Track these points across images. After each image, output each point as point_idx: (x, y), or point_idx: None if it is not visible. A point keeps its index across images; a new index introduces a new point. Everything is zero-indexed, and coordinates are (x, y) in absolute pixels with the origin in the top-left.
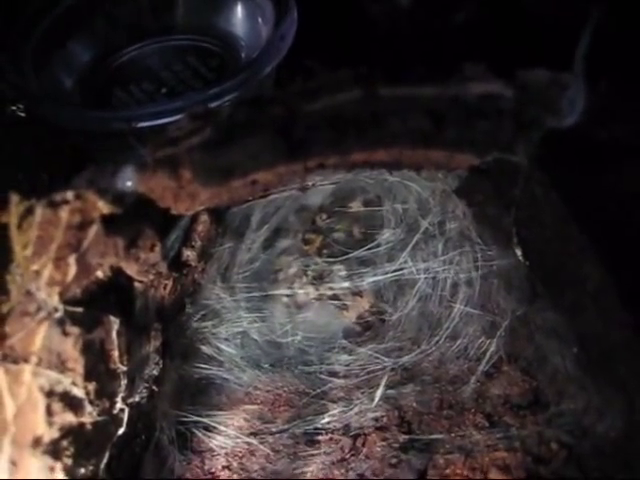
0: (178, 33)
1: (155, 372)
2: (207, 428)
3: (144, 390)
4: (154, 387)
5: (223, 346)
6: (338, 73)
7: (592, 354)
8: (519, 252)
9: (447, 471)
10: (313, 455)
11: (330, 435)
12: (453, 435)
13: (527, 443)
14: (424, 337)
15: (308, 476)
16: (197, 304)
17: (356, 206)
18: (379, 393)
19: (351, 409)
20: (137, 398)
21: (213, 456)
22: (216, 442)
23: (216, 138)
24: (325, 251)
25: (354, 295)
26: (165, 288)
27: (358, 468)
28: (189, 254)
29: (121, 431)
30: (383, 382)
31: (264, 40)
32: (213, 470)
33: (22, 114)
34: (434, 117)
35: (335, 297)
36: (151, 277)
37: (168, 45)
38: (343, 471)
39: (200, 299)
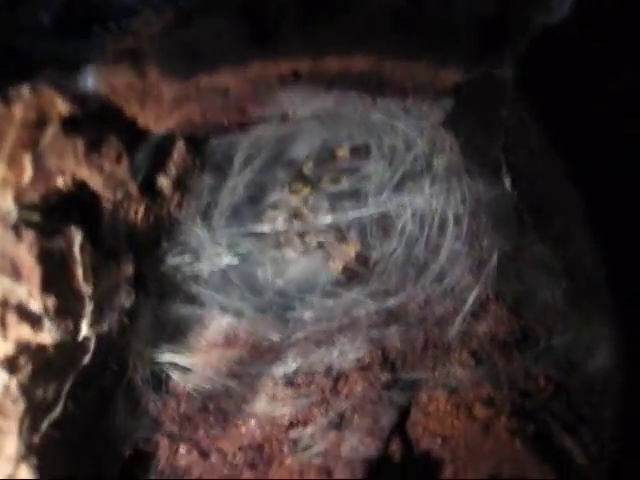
0: None
1: (127, 304)
2: (183, 369)
3: (115, 322)
4: (126, 320)
5: (202, 287)
6: None
7: (581, 286)
8: (507, 181)
9: (430, 408)
10: (292, 397)
11: (311, 377)
12: (437, 373)
13: (513, 379)
14: (410, 280)
15: (287, 418)
16: (175, 241)
17: (342, 153)
18: (362, 334)
19: (332, 351)
20: (106, 328)
21: (189, 398)
22: (192, 384)
23: (176, 21)
24: (311, 201)
25: (339, 242)
26: (137, 213)
27: (338, 408)
28: (163, 182)
29: (87, 359)
30: (364, 323)
31: None
32: (189, 412)
33: None
34: (407, 18)
35: (321, 246)
36: (119, 196)
37: None
38: (323, 411)
39: (178, 236)
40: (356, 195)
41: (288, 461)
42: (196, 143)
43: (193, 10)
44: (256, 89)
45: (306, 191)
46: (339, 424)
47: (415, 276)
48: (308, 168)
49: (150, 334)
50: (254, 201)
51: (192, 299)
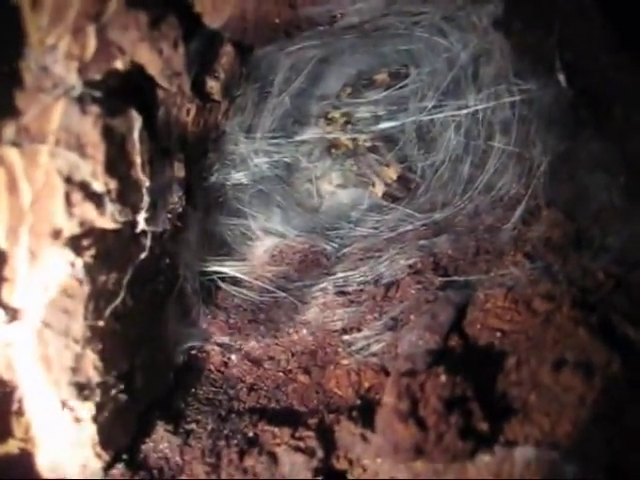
0: None
1: (178, 209)
2: (231, 281)
3: (167, 223)
4: (178, 223)
5: (246, 207)
6: None
7: None
8: (562, 79)
9: (488, 305)
10: (344, 305)
11: (361, 286)
12: (492, 275)
13: (572, 276)
14: (456, 195)
15: (339, 325)
16: (220, 152)
17: (382, 78)
18: (411, 244)
19: (382, 262)
20: (160, 227)
21: (238, 310)
22: (241, 295)
23: None
24: (349, 126)
25: (380, 165)
26: (188, 114)
27: (392, 312)
28: (212, 85)
29: (143, 255)
30: (415, 236)
31: None
32: (239, 323)
33: None
34: None
35: (361, 174)
36: (174, 89)
37: None
38: (377, 316)
39: (223, 147)
40: (398, 105)
41: (344, 362)
42: (243, 51)
43: None
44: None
45: (342, 120)
46: (394, 326)
47: (462, 190)
48: (346, 94)
49: (198, 246)
50: (294, 121)
51: (237, 214)
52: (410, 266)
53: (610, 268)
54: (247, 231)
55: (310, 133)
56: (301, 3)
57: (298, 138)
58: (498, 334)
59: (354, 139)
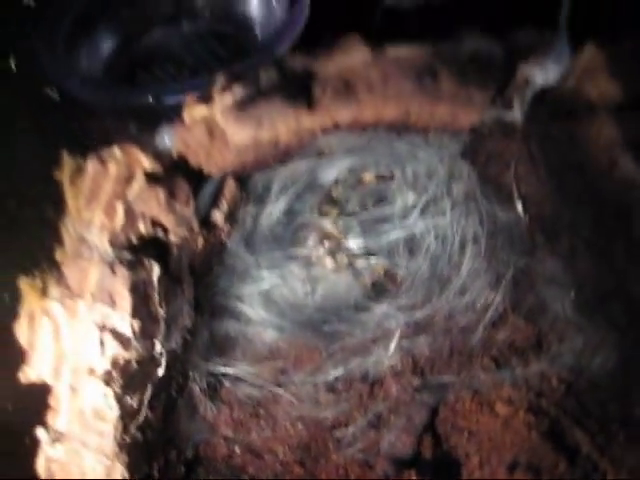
0: (198, 18)
1: (188, 324)
2: (234, 379)
3: (179, 339)
4: (188, 337)
5: (246, 305)
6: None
7: (588, 297)
8: (519, 206)
9: (457, 406)
10: (334, 401)
11: (349, 384)
12: (462, 377)
13: (530, 380)
14: (435, 294)
15: (330, 420)
16: (223, 265)
17: (369, 177)
18: (394, 344)
19: (368, 360)
20: (173, 345)
21: (241, 405)
22: (243, 392)
23: (246, 95)
24: (340, 222)
25: (368, 259)
26: (197, 245)
27: (376, 409)
28: (217, 215)
29: (160, 372)
30: (397, 334)
31: (278, 22)
32: (242, 418)
33: (56, 95)
34: (432, 72)
35: (351, 265)
36: (185, 232)
37: (188, 29)
38: (362, 412)
39: (226, 260)
40: (383, 219)
41: (333, 457)
42: (242, 180)
43: (260, 87)
44: (301, 138)
45: (335, 213)
46: (377, 424)
47: (439, 290)
48: (337, 192)
49: (205, 349)
50: (289, 224)
51: (238, 317)
52: (392, 366)
53: (563, 373)
54: (248, 330)
55: (304, 227)
56: (294, 151)
57: (293, 250)
58: (465, 434)
59: (345, 232)
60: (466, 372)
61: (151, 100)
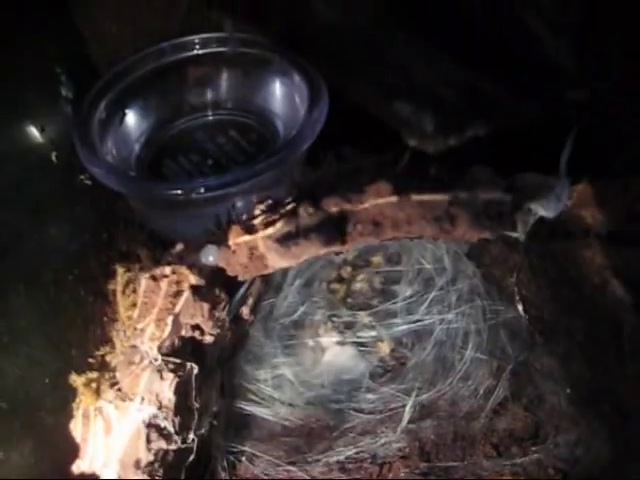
0: (221, 108)
1: (215, 409)
2: (252, 457)
3: (207, 424)
4: (214, 422)
5: (263, 386)
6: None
7: (582, 394)
8: (520, 308)
9: None
10: None
11: (360, 464)
12: (466, 463)
13: (528, 469)
14: (439, 378)
15: None
16: (245, 351)
17: (377, 260)
18: (401, 427)
19: (377, 441)
20: (203, 431)
21: None
22: (260, 469)
23: (287, 232)
24: (349, 300)
25: (376, 342)
26: (225, 339)
27: None
28: (244, 310)
29: (192, 457)
30: (405, 417)
31: (300, 118)
32: None
33: (89, 182)
34: (450, 217)
35: (359, 343)
36: (218, 331)
37: (212, 120)
38: None
39: (247, 345)
40: (394, 314)
41: None
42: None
43: (300, 225)
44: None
45: (343, 290)
46: None
47: (444, 375)
48: (346, 272)
49: (225, 429)
50: (302, 305)
51: (255, 397)
52: (400, 449)
53: (559, 464)
54: (263, 408)
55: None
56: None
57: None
58: None
59: (353, 313)
60: (469, 458)
61: (179, 195)
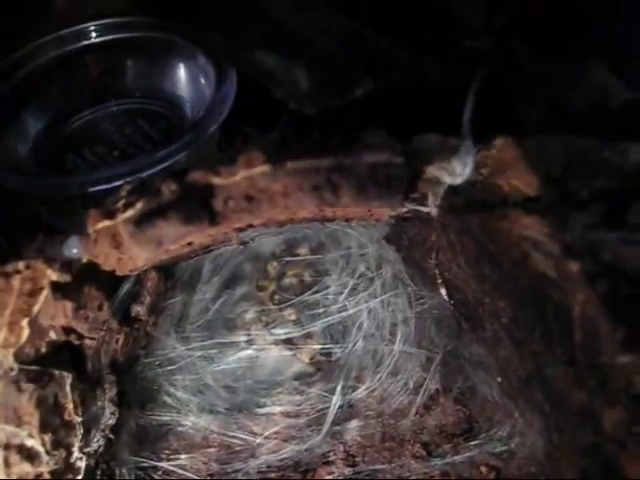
0: (127, 97)
1: (111, 421)
2: (166, 473)
3: (101, 439)
4: (111, 435)
5: (179, 393)
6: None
7: (512, 382)
8: (443, 292)
9: None
10: None
11: (282, 472)
12: (393, 465)
13: (459, 468)
14: (368, 375)
15: None
16: (152, 355)
17: (304, 253)
18: (325, 430)
19: (301, 446)
20: (95, 447)
21: None
22: None
23: (146, 212)
24: (277, 297)
25: (305, 338)
26: (117, 342)
27: None
28: (139, 309)
29: (79, 478)
30: (328, 420)
31: (207, 100)
32: None
33: None
34: (333, 186)
35: (288, 341)
36: (102, 333)
37: (118, 109)
38: None
39: (155, 350)
40: (318, 297)
41: None
42: (166, 269)
43: (160, 202)
44: (216, 239)
45: (272, 287)
46: None
47: (373, 370)
48: (273, 267)
49: (133, 442)
50: (224, 304)
51: (171, 404)
52: (324, 454)
53: (492, 460)
54: (180, 416)
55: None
56: (214, 246)
57: (228, 329)
58: None
59: (281, 308)
60: (397, 460)
61: (76, 190)
